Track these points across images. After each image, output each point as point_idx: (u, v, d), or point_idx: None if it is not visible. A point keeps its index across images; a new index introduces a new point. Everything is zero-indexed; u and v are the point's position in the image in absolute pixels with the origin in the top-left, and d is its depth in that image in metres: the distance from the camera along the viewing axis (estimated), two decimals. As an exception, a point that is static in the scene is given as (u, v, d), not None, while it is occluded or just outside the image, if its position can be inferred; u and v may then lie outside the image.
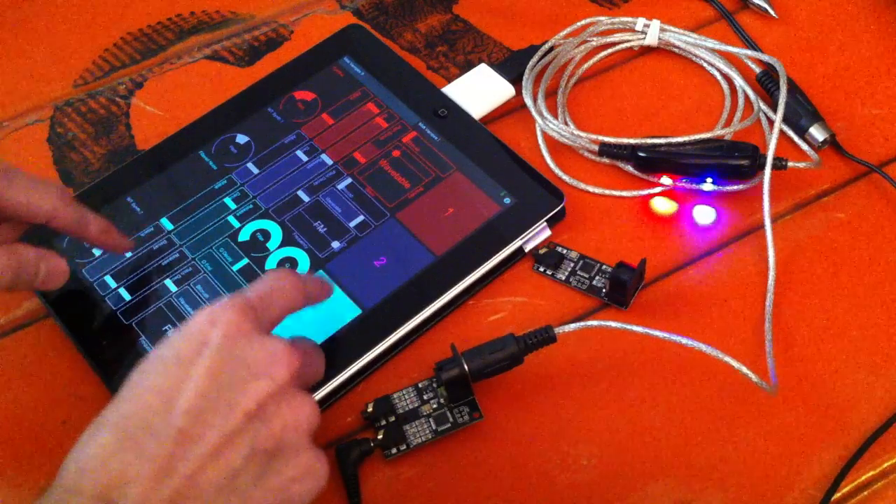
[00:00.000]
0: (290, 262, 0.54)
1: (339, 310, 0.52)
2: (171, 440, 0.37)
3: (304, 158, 0.58)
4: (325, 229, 0.55)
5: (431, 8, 0.67)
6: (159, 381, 0.38)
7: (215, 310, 0.40)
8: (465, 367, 0.48)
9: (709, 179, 0.56)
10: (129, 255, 0.54)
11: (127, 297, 0.53)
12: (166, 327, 0.52)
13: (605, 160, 0.58)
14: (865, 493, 0.48)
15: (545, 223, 0.55)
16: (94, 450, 0.37)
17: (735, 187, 0.56)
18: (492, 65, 0.62)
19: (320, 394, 0.49)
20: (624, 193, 0.57)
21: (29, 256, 0.48)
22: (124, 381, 0.39)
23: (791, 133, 0.59)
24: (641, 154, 0.57)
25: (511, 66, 0.62)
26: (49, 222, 0.48)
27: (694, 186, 0.56)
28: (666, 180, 0.57)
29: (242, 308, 0.40)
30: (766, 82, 0.61)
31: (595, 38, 0.63)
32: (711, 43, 0.61)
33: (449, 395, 0.49)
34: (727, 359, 0.47)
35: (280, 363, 0.40)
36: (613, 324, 0.48)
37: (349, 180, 0.57)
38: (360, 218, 0.55)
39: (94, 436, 0.37)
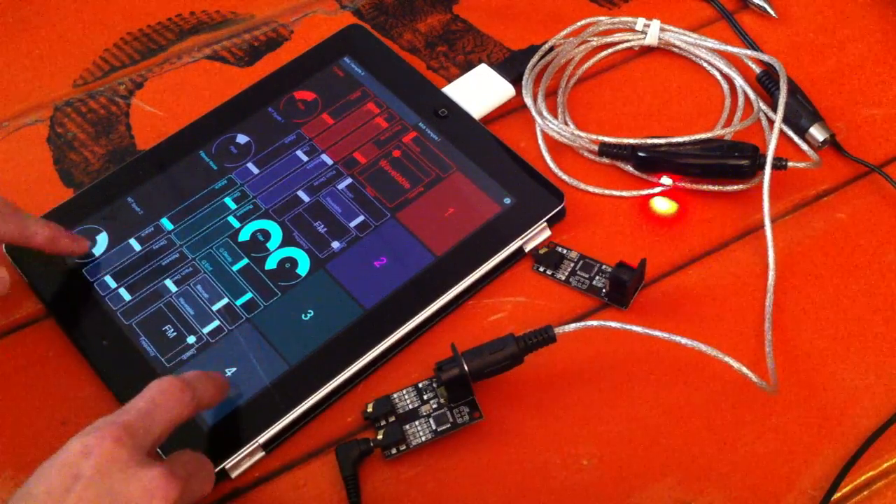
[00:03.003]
0: (290, 263, 0.54)
1: (340, 310, 0.52)
2: None
3: (305, 158, 0.58)
4: (325, 229, 0.55)
5: (431, 8, 0.67)
6: None
7: (89, 438, 0.38)
8: (465, 367, 0.48)
9: (709, 179, 0.56)
10: (129, 255, 0.54)
11: (127, 297, 0.53)
12: (166, 327, 0.52)
13: (605, 160, 0.58)
14: (865, 492, 0.48)
15: (545, 223, 0.55)
16: None
17: (735, 187, 0.56)
18: (492, 65, 0.62)
19: (321, 394, 0.49)
20: (624, 193, 0.57)
21: None
22: None
23: (791, 133, 0.59)
24: (641, 154, 0.57)
25: (511, 66, 0.62)
26: None
27: (694, 186, 0.57)
28: (666, 180, 0.57)
29: (117, 435, 0.39)
30: (766, 82, 0.61)
31: (595, 38, 0.63)
32: (711, 43, 0.61)
33: (449, 395, 0.49)
34: (727, 359, 0.47)
35: (156, 496, 0.38)
36: (613, 324, 0.48)
37: (349, 180, 0.57)
38: (361, 218, 0.55)
39: None
